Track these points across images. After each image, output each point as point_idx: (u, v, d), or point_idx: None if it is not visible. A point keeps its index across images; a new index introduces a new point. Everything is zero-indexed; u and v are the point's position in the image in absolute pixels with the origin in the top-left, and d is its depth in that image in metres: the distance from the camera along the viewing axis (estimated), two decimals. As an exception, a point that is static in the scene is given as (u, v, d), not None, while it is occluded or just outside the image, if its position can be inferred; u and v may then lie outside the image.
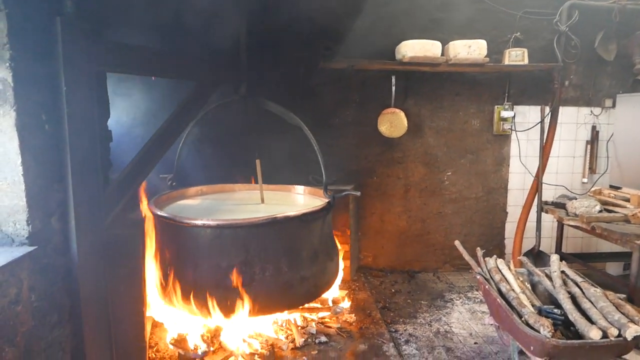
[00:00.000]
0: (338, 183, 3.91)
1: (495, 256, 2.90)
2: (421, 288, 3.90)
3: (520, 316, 2.29)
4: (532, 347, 2.17)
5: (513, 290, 2.52)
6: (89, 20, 2.13)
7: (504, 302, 2.39)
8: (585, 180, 4.17)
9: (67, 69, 2.07)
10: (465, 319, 3.34)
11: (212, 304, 2.56)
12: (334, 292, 3.28)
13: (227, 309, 2.57)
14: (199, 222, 2.57)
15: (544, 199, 3.90)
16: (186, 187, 3.42)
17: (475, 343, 2.99)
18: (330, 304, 3.20)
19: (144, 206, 2.73)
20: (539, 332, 2.11)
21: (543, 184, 3.85)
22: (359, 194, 2.84)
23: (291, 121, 2.95)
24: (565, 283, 2.57)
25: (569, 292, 2.46)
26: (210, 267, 2.58)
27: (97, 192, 2.28)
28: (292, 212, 2.68)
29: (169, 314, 2.87)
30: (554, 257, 2.75)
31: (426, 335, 3.09)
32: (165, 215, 2.66)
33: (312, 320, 3.06)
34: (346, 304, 3.24)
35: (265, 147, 3.53)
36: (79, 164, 2.20)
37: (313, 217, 2.75)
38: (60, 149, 2.18)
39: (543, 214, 3.86)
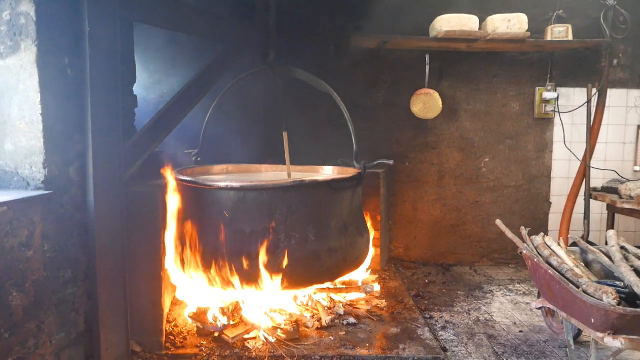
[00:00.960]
0: (367, 168, 3.73)
1: (542, 234, 2.63)
2: (457, 280, 3.62)
3: (576, 288, 2.03)
4: (592, 320, 1.89)
5: (566, 263, 2.26)
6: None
7: (557, 273, 2.13)
8: (637, 168, 3.83)
9: (92, 12, 2.00)
10: (508, 309, 3.05)
11: (234, 272, 2.40)
12: (363, 274, 3.06)
13: (250, 277, 2.41)
14: (222, 185, 2.44)
15: (592, 186, 3.60)
16: (211, 164, 3.32)
17: (521, 331, 2.70)
18: (360, 284, 2.98)
19: (168, 173, 2.61)
20: (601, 300, 1.85)
21: (591, 169, 3.55)
22: (392, 162, 2.66)
23: (321, 88, 2.83)
24: (626, 259, 2.28)
25: (632, 266, 2.18)
26: (234, 233, 2.44)
27: (117, 146, 2.18)
28: (320, 177, 2.51)
29: (189, 289, 2.72)
30: (611, 232, 2.48)
31: (465, 322, 2.82)
32: (187, 179, 2.55)
33: (340, 302, 2.85)
34: (377, 286, 3.00)
35: (292, 132, 3.41)
36: (101, 115, 2.11)
37: (343, 186, 2.58)
38: (82, 98, 2.09)
39: (592, 203, 3.56)
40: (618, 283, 2.06)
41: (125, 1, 2.11)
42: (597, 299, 1.85)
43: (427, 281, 3.56)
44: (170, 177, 2.58)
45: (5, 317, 1.67)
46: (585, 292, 1.95)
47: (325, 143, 3.48)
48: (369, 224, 3.40)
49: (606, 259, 2.34)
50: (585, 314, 1.94)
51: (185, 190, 2.58)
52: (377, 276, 3.33)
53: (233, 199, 2.43)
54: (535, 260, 2.31)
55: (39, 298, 1.86)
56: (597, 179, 3.75)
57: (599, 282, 2.07)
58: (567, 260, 2.30)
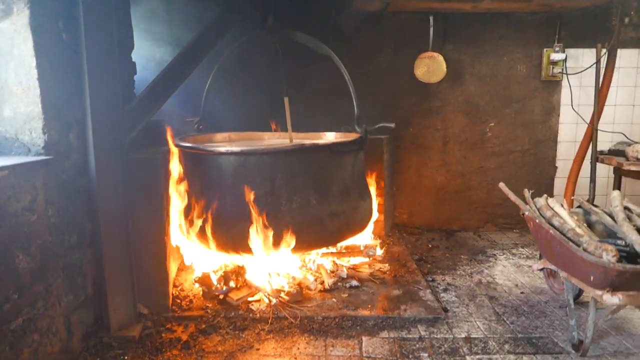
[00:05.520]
0: (370, 134, 3.69)
1: (545, 195, 2.61)
2: (460, 245, 3.64)
3: (577, 246, 2.03)
4: (592, 278, 1.90)
5: (567, 223, 2.25)
6: None
7: (557, 232, 2.12)
8: (646, 130, 3.77)
9: (83, -27, 1.96)
10: (510, 272, 3.07)
11: (237, 237, 2.43)
12: (366, 239, 3.08)
13: (253, 242, 2.44)
14: (222, 149, 2.44)
15: (599, 149, 3.54)
16: (213, 132, 3.31)
17: (522, 293, 2.73)
18: (362, 249, 3.00)
19: (169, 139, 2.61)
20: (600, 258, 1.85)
21: (598, 132, 3.48)
22: (393, 125, 2.64)
23: (321, 51, 2.78)
24: (629, 219, 2.27)
25: (635, 226, 2.16)
26: (235, 197, 2.45)
27: (116, 111, 2.18)
28: (321, 141, 2.50)
29: (194, 254, 2.77)
30: (615, 193, 2.45)
31: (467, 284, 2.85)
32: (188, 144, 2.55)
33: (343, 266, 2.88)
34: (379, 251, 3.03)
35: (294, 99, 3.36)
36: (98, 80, 2.10)
37: (344, 149, 2.58)
38: (78, 62, 2.08)
39: (598, 166, 3.51)
40: (619, 242, 2.05)
41: (117, -38, 2.06)
42: (597, 257, 1.85)
43: (430, 246, 3.58)
44: (171, 143, 2.58)
45: (13, 279, 1.72)
46: (585, 250, 1.95)
47: (328, 110, 3.44)
48: (373, 190, 3.41)
49: (608, 219, 2.32)
50: (584, 272, 1.95)
51: (187, 156, 2.59)
52: (380, 241, 3.34)
53: (234, 164, 2.43)
54: (537, 220, 2.30)
55: (45, 262, 1.90)
56: (605, 142, 3.68)
57: (600, 241, 2.06)
58: (569, 220, 2.29)
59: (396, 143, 3.85)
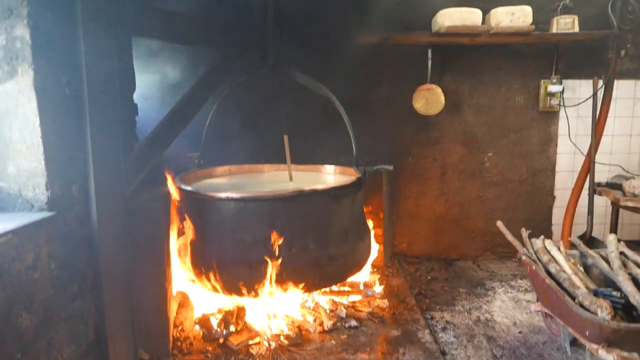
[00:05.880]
0: (370, 165, 3.71)
1: (542, 237, 2.64)
2: (459, 276, 3.66)
3: (573, 298, 2.05)
4: (587, 332, 1.92)
5: (564, 271, 2.27)
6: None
7: (554, 283, 2.15)
8: (644, 161, 3.80)
9: (87, 30, 2.00)
10: (509, 307, 3.09)
11: (236, 281, 2.45)
12: (365, 275, 3.11)
13: (252, 287, 2.46)
14: (222, 195, 2.47)
15: (596, 180, 3.57)
16: (214, 166, 3.34)
17: (520, 332, 2.74)
18: (362, 287, 3.03)
19: (169, 182, 2.65)
20: (595, 314, 1.87)
21: (596, 164, 3.51)
22: (391, 167, 2.67)
23: (320, 92, 2.81)
24: (625, 265, 2.29)
25: (630, 274, 2.18)
26: (234, 242, 2.48)
27: (118, 160, 2.21)
28: (320, 186, 2.53)
29: (196, 294, 2.79)
30: (611, 237, 2.47)
31: (465, 323, 2.87)
32: (188, 189, 2.58)
33: (342, 304, 2.90)
34: (378, 288, 3.05)
35: (293, 129, 3.39)
36: (99, 133, 2.13)
37: (343, 193, 2.60)
38: (81, 117, 2.12)
39: (596, 196, 3.54)
40: (615, 293, 2.07)
41: (119, 18, 2.10)
42: (592, 313, 1.88)
43: (429, 277, 3.60)
44: (171, 186, 2.61)
45: (16, 338, 1.74)
46: (580, 304, 1.97)
47: (328, 140, 3.46)
48: (372, 221, 3.43)
49: (605, 265, 2.34)
50: (580, 325, 1.97)
51: (188, 198, 2.62)
52: (379, 275, 3.37)
53: (233, 209, 2.46)
54: (534, 267, 2.33)
55: (48, 316, 1.93)
56: (603, 172, 3.71)
57: (596, 292, 2.09)
58: (565, 267, 2.32)
59: (395, 173, 3.87)
